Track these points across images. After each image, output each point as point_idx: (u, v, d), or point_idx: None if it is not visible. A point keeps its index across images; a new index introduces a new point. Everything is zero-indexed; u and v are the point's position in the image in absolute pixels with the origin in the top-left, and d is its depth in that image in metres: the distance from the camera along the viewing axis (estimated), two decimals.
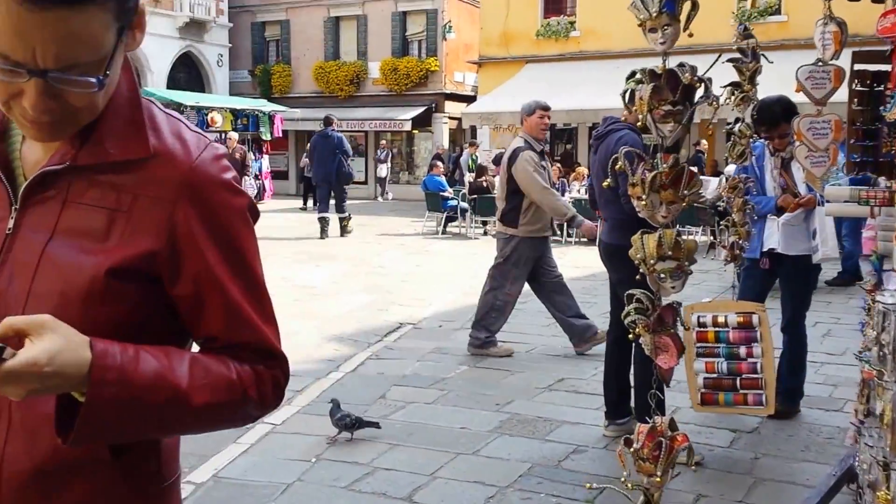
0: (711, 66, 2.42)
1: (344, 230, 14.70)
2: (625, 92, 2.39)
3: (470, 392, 5.40)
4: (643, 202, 2.39)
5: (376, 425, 4.50)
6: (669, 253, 2.45)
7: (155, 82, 25.44)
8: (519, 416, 4.93)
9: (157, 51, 25.97)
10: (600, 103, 18.37)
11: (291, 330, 7.00)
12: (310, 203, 20.35)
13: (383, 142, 25.19)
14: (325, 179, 14.37)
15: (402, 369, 5.98)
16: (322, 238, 14.25)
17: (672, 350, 2.28)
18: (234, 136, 18.05)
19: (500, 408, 5.08)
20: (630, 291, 2.48)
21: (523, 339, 6.98)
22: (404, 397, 5.26)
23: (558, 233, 14.76)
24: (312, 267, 10.92)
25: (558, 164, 16.81)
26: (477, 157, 19.90)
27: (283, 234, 15.03)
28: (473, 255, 12.68)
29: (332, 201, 14.60)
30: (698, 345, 4.30)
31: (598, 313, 7.76)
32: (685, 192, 2.38)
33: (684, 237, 2.51)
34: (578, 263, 11.90)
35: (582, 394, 5.42)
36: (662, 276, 2.44)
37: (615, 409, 4.70)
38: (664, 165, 2.32)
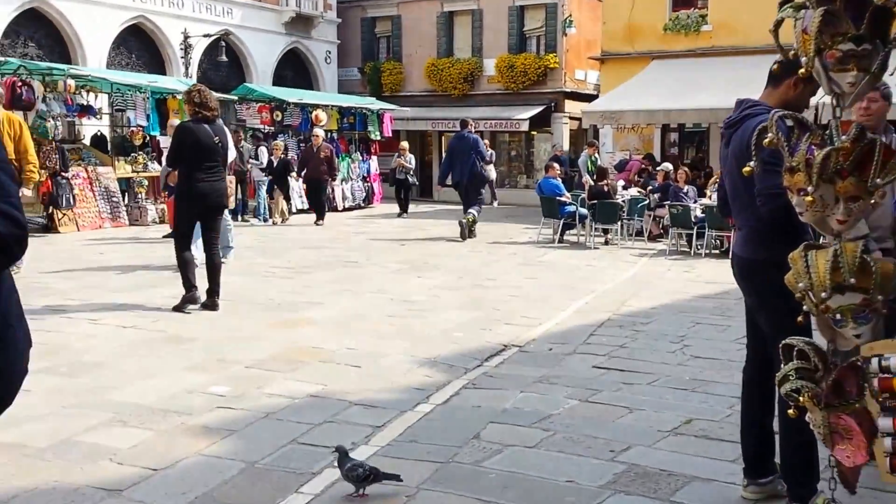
0: None
1: (470, 232, 15.09)
2: (778, 23, 1.70)
3: (579, 434, 4.82)
4: (808, 198, 1.70)
5: (396, 478, 3.88)
6: (851, 281, 1.75)
7: (259, 79, 25.79)
8: (637, 467, 4.31)
9: (261, 47, 26.41)
10: (732, 101, 17.33)
11: (379, 351, 6.59)
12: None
13: (485, 142, 24.33)
14: (458, 181, 15.38)
15: (501, 402, 5.44)
16: (462, 239, 14.85)
17: (858, 438, 1.62)
18: (320, 132, 17.87)
19: (614, 456, 4.47)
20: (787, 341, 1.80)
21: (644, 366, 6.33)
22: (502, 438, 4.73)
23: (682, 243, 13.92)
24: (413, 278, 10.52)
25: (685, 169, 15.89)
26: (596, 158, 19.15)
27: (387, 241, 14.75)
28: (592, 268, 12.03)
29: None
30: (883, 396, 3.57)
31: (731, 339, 7.03)
32: (878, 180, 1.68)
33: (875, 255, 1.83)
34: (709, 278, 11.07)
35: (714, 440, 4.75)
36: (840, 316, 1.77)
37: (755, 465, 4.02)
38: (843, 138, 1.64)
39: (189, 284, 7.91)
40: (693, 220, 14.04)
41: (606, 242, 15.17)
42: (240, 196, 18.05)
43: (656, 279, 11.24)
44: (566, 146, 25.05)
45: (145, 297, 8.52)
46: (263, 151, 18.04)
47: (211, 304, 7.92)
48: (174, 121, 14.90)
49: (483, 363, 6.49)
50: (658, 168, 17.17)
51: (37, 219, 14.97)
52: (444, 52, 27.54)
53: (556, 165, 16.40)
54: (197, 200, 7.86)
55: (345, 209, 21.26)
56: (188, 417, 4.92)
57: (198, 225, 8.17)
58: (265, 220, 17.70)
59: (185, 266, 7.96)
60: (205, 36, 24.32)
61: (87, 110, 16.20)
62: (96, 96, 16.43)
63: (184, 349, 6.44)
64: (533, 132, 26.05)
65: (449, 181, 15.80)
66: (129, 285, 9.24)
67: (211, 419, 4.92)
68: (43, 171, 14.86)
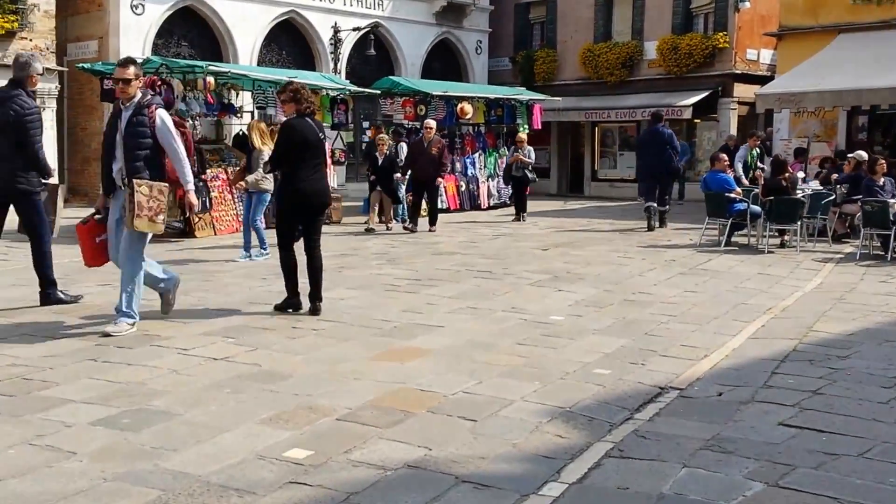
0: None
1: (663, 223, 15.74)
2: None
3: None
4: None
5: None
6: None
7: (408, 72, 24.99)
8: None
9: (411, 38, 25.61)
10: None
11: (502, 396, 5.30)
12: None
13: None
14: (651, 174, 15.66)
15: (657, 481, 4.05)
16: (649, 230, 15.24)
17: None
18: (432, 124, 15.73)
19: None
20: None
21: (851, 425, 4.73)
22: None
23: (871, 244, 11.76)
24: (553, 292, 9.15)
25: (882, 158, 13.60)
26: (757, 152, 16.96)
27: (529, 244, 13.41)
28: (767, 278, 10.28)
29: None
30: None
31: None
32: None
33: None
34: None
35: None
36: None
37: None
38: None
39: (292, 292, 7.67)
40: (891, 218, 11.92)
41: (782, 245, 13.23)
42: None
43: (848, 293, 9.38)
44: (734, 133, 22.81)
45: (252, 315, 7.58)
46: (403, 148, 17.08)
47: (314, 309, 7.62)
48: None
49: (633, 415, 5.09)
50: (849, 156, 14.94)
51: (174, 223, 14.58)
52: (601, 37, 25.84)
53: (724, 156, 14.55)
54: (302, 201, 7.50)
55: (489, 207, 20.05)
56: (251, 499, 3.80)
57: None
58: (404, 222, 16.71)
59: (287, 271, 7.66)
60: (354, 29, 23.76)
61: (229, 109, 15.71)
62: (237, 94, 15.90)
63: (272, 391, 5.37)
64: (697, 120, 23.95)
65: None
66: (242, 300, 8.35)
67: (278, 501, 3.79)
68: None
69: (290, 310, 7.69)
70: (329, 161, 17.25)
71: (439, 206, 19.09)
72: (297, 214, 7.60)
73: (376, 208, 15.59)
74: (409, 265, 10.89)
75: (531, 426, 4.81)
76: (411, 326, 7.24)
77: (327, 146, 17.31)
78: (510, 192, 21.02)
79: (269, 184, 10.95)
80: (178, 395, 5.29)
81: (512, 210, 18.24)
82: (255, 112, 16.22)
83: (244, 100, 16.83)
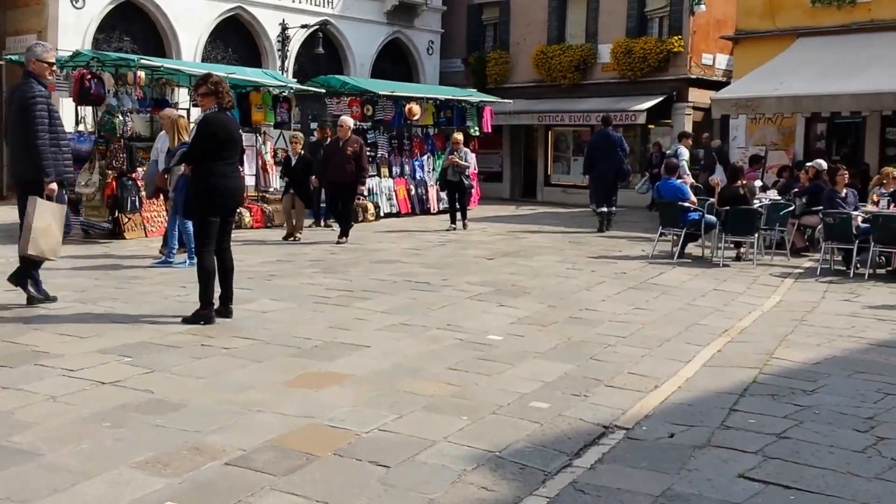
0: None
1: (609, 224, 16.10)
2: None
3: None
4: None
5: None
6: None
7: (358, 72, 24.22)
8: None
9: (361, 37, 24.87)
10: None
11: (423, 436, 4.59)
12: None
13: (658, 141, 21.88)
14: (603, 177, 16.12)
15: None
16: (601, 231, 15.86)
17: None
18: (347, 121, 14.00)
19: None
20: None
21: (822, 479, 4.11)
22: None
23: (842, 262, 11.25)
24: (494, 307, 8.46)
25: (844, 168, 13.11)
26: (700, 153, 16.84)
27: (475, 253, 12.72)
28: (722, 295, 9.72)
29: None
30: None
31: None
32: None
33: None
34: (881, 311, 8.60)
35: None
36: None
37: None
38: None
39: (206, 300, 7.11)
40: (854, 231, 11.45)
41: (738, 258, 12.71)
42: (323, 199, 16.42)
43: (809, 313, 8.83)
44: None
45: (160, 329, 6.78)
46: None
47: (224, 311, 7.21)
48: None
49: (572, 461, 4.41)
50: (808, 165, 14.47)
51: (102, 224, 13.67)
52: (554, 39, 25.28)
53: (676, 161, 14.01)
54: (220, 199, 7.05)
55: (440, 211, 19.34)
56: None
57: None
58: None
59: (206, 277, 7.09)
60: (303, 27, 22.93)
61: (162, 104, 14.75)
62: (172, 90, 15.00)
63: (158, 425, 4.61)
64: (651, 125, 23.50)
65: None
66: (153, 311, 7.53)
67: None
68: (109, 171, 13.66)
69: (203, 322, 7.00)
70: (271, 161, 16.50)
71: (390, 210, 18.46)
72: (217, 214, 7.09)
73: (291, 213, 14.01)
74: (345, 274, 10.12)
75: (453, 475, 4.10)
76: (334, 346, 6.50)
77: (269, 146, 16.74)
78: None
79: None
80: (46, 429, 4.52)
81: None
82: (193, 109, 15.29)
83: (180, 96, 15.92)
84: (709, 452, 4.57)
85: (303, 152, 14.72)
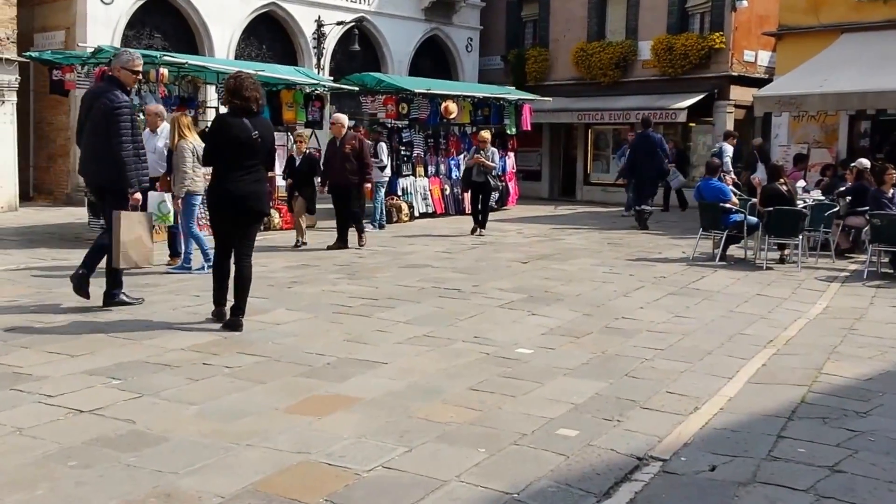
0: None
1: (644, 223, 16.05)
2: None
3: None
4: None
5: None
6: None
7: (395, 69, 23.75)
8: None
9: (398, 34, 24.34)
10: None
11: (432, 475, 4.05)
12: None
13: (631, 133, 20.43)
14: (643, 177, 16.27)
15: None
16: (642, 229, 15.83)
17: None
18: (341, 118, 12.92)
19: None
20: None
21: None
22: None
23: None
24: (525, 316, 7.91)
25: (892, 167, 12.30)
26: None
27: (509, 255, 12.16)
28: (766, 300, 9.06)
29: None
30: None
31: None
32: None
33: None
34: None
35: None
36: None
37: None
38: None
39: (217, 300, 7.05)
40: None
41: (782, 260, 11.99)
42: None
43: (858, 320, 8.16)
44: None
45: (160, 344, 6.35)
46: (383, 148, 15.83)
47: (233, 323, 6.88)
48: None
49: (601, 501, 3.85)
50: (851, 165, 13.68)
51: None
52: (594, 36, 24.53)
53: (719, 161, 13.32)
54: (228, 204, 6.79)
55: (494, 209, 18.78)
56: None
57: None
58: (381, 227, 15.49)
59: (216, 279, 7.05)
60: (339, 23, 22.51)
61: (188, 103, 14.40)
62: (198, 88, 14.57)
63: (130, 464, 4.07)
64: (691, 123, 22.69)
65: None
66: (160, 322, 7.11)
67: None
68: None
69: (216, 321, 7.00)
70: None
71: (425, 209, 17.94)
72: (225, 217, 6.87)
73: (302, 219, 12.67)
74: (370, 281, 9.63)
75: None
76: (348, 363, 6.00)
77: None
78: (498, 196, 19.95)
79: (197, 184, 9.43)
80: (2, 469, 3.97)
81: (493, 217, 16.94)
82: (219, 107, 14.91)
83: (209, 94, 15.55)
84: (754, 491, 3.99)
85: (308, 151, 13.63)
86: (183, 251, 9.91)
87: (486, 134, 15.02)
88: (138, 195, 7.28)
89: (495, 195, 16.41)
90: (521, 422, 4.85)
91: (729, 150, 16.92)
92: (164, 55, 12.99)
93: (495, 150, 15.17)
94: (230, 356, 6.07)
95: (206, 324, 7.04)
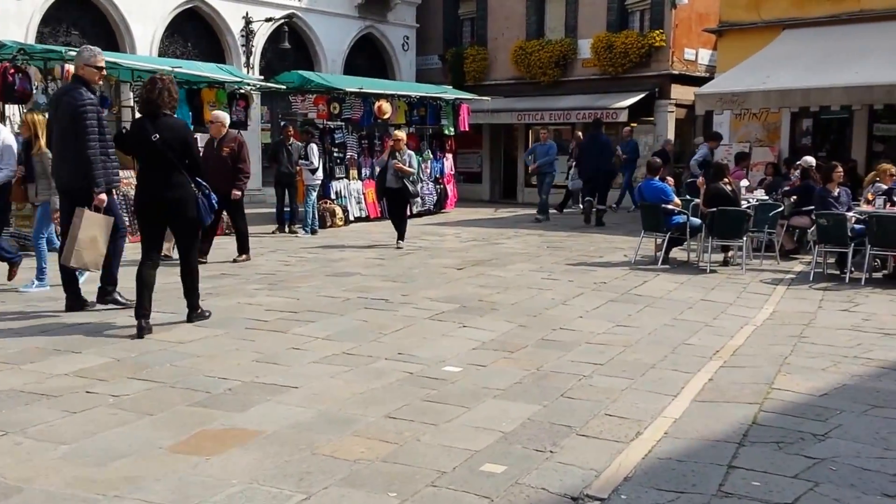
0: None
1: (599, 221, 16.72)
2: None
3: None
4: None
5: None
6: None
7: (329, 68, 23.06)
8: None
9: (331, 32, 23.66)
10: (892, 76, 13.52)
11: None
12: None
13: (543, 132, 19.46)
14: (591, 177, 17.14)
15: None
16: (588, 224, 16.64)
17: None
18: (221, 116, 11.79)
19: None
20: None
21: None
22: None
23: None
24: (456, 328, 7.36)
25: (838, 166, 12.04)
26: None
27: (444, 261, 11.62)
28: (711, 306, 8.67)
29: None
30: None
31: None
32: None
33: None
34: (886, 323, 7.51)
35: None
36: None
37: None
38: None
39: (138, 312, 6.69)
40: (849, 234, 10.44)
41: (726, 262, 11.68)
42: (287, 203, 15.31)
43: (807, 326, 7.80)
44: (671, 138, 21.37)
45: (43, 368, 5.64)
46: (314, 149, 15.19)
47: (188, 317, 7.13)
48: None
49: None
50: (797, 163, 13.44)
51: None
52: (533, 34, 24.15)
53: (658, 161, 12.96)
54: (146, 208, 6.83)
55: (412, 215, 18.23)
56: None
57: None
58: (313, 233, 14.83)
59: (136, 288, 6.75)
60: (267, 20, 21.76)
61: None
62: (111, 86, 13.76)
63: None
64: (633, 123, 22.45)
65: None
66: (68, 341, 6.40)
67: None
68: None
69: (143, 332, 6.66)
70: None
71: (359, 214, 17.32)
72: (148, 222, 6.90)
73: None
74: (292, 291, 8.97)
75: None
76: (252, 389, 5.37)
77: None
78: (435, 198, 19.50)
79: (49, 193, 8.25)
80: None
81: (431, 220, 16.42)
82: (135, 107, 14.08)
83: (123, 93, 14.71)
84: None
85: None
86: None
87: (400, 134, 13.55)
88: (104, 196, 7.07)
89: (417, 202, 15.60)
90: (441, 456, 4.29)
91: (703, 152, 16.26)
92: (70, 50, 12.13)
93: (412, 152, 13.62)
94: (119, 382, 5.39)
95: (107, 339, 6.36)
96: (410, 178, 12.91)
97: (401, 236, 13.14)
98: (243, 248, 11.28)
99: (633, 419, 5.00)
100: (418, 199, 18.81)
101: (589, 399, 5.38)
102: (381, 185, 13.33)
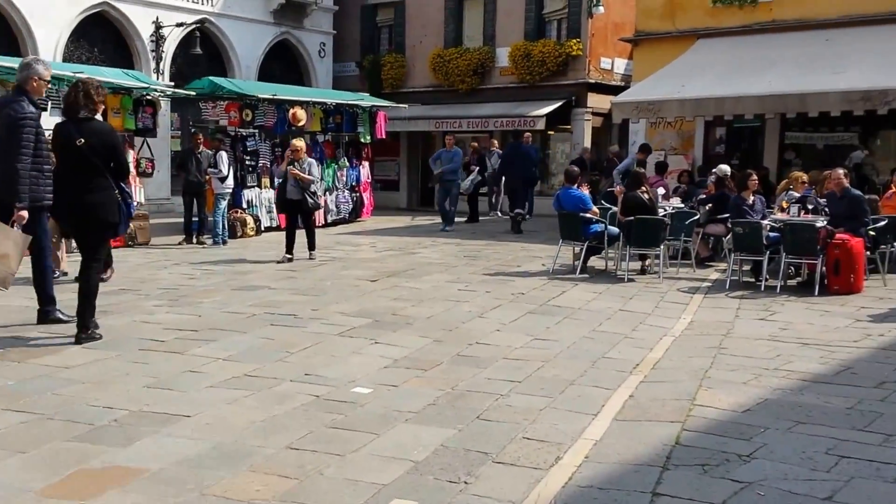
0: None
1: (518, 227, 16.76)
2: None
3: None
4: None
5: None
6: None
7: (243, 74, 22.44)
8: None
9: (246, 38, 23.06)
10: (803, 85, 13.72)
11: None
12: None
13: (449, 138, 19.03)
14: (514, 185, 17.54)
15: None
16: (515, 232, 16.53)
17: None
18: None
19: None
20: None
21: None
22: None
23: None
24: (368, 345, 6.99)
25: (754, 173, 12.06)
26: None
27: (358, 273, 11.22)
28: (629, 316, 8.50)
29: None
30: None
31: None
32: None
33: None
34: (804, 333, 7.37)
35: None
36: None
37: None
38: None
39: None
40: (764, 242, 10.45)
41: (643, 271, 11.59)
42: (196, 213, 14.69)
43: (726, 336, 7.70)
44: (588, 146, 21.39)
45: None
46: (223, 157, 14.63)
47: (84, 337, 6.66)
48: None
49: None
50: (713, 171, 13.48)
51: None
52: (451, 42, 23.96)
53: (576, 169, 12.82)
54: (66, 213, 6.77)
55: (326, 224, 17.78)
56: None
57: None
58: (223, 243, 14.25)
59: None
60: (178, 25, 21.03)
61: None
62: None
63: None
64: (550, 131, 22.43)
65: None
66: None
67: None
68: None
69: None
70: (134, 172, 14.61)
71: (270, 223, 16.75)
72: (66, 222, 6.99)
73: (62, 242, 10.36)
74: (195, 307, 8.45)
75: None
76: (141, 419, 4.89)
77: (132, 155, 14.85)
78: (351, 206, 19.04)
79: None
80: None
81: (346, 229, 15.90)
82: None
83: None
84: None
85: None
86: None
87: (299, 143, 12.63)
88: (25, 213, 6.65)
89: (332, 210, 14.90)
90: (346, 492, 3.92)
91: (628, 162, 16.23)
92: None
93: (313, 160, 12.82)
94: None
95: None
96: (311, 189, 12.21)
97: (311, 245, 12.49)
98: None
99: (552, 442, 4.71)
100: (334, 208, 18.43)
101: (506, 421, 5.07)
102: (281, 197, 12.56)
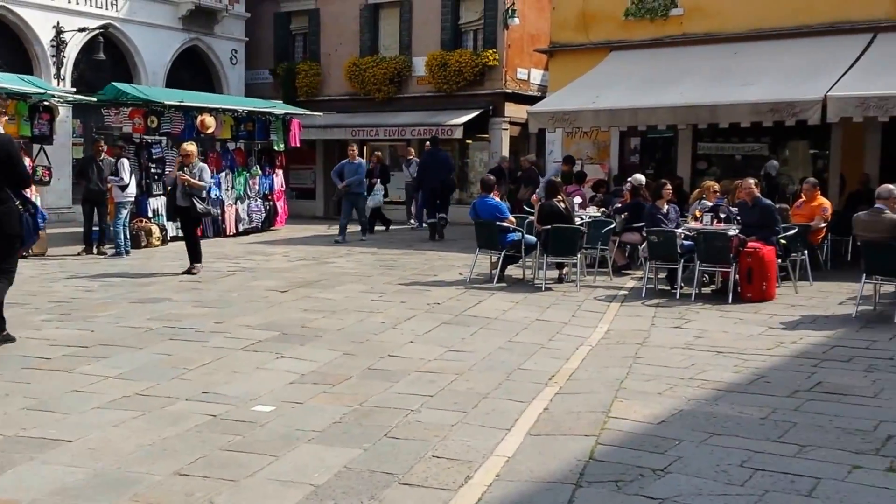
0: None
1: (441, 234, 16.84)
2: None
3: None
4: None
5: None
6: None
7: (150, 81, 21.69)
8: None
9: (153, 44, 22.30)
10: (714, 97, 13.90)
11: None
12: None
13: (351, 149, 17.76)
14: (432, 191, 17.19)
15: None
16: (434, 240, 16.57)
17: None
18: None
19: None
20: None
21: None
22: None
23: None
24: (273, 359, 6.65)
25: (667, 183, 12.12)
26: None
27: (269, 283, 10.82)
28: (546, 326, 8.35)
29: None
30: None
31: None
32: None
33: None
34: (718, 341, 7.31)
35: None
36: None
37: None
38: None
39: None
40: (678, 250, 10.47)
41: (561, 279, 11.50)
42: (97, 222, 14.06)
43: (642, 346, 7.61)
44: (506, 155, 21.37)
45: None
46: (125, 164, 14.03)
47: None
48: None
49: None
50: (628, 180, 13.52)
51: None
52: (367, 51, 23.67)
53: (492, 178, 12.68)
54: None
55: (237, 233, 17.26)
56: None
57: None
58: (126, 253, 13.65)
59: None
60: (80, 30, 20.21)
61: None
62: None
63: None
64: (468, 140, 22.35)
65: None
66: None
67: None
68: None
69: None
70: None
71: (176, 233, 16.12)
72: None
73: None
74: (87, 322, 7.96)
75: None
76: (16, 445, 4.48)
77: (28, 163, 14.15)
78: (263, 215, 18.54)
79: None
80: None
81: (258, 238, 15.40)
82: None
83: None
84: None
85: None
86: None
87: (189, 147, 11.92)
88: None
89: (244, 220, 14.24)
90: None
91: (554, 171, 16.31)
92: None
93: (204, 165, 12.11)
94: None
95: None
96: (200, 196, 11.53)
97: (197, 258, 11.73)
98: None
99: (463, 460, 4.49)
100: (246, 217, 17.93)
101: (415, 438, 4.83)
102: (171, 203, 11.86)
